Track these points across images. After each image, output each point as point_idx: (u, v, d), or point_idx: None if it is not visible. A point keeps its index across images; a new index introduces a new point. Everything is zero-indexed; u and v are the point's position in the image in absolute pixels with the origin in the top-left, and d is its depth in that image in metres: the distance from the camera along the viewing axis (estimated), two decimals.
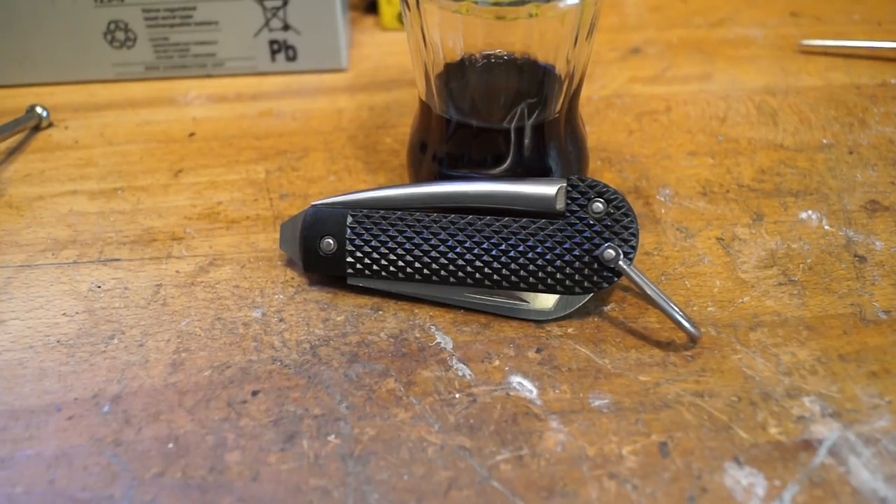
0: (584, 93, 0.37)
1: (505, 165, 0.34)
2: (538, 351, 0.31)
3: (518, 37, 0.32)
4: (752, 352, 0.30)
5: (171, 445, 0.27)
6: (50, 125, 0.44)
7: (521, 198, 0.31)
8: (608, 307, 0.32)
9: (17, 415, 0.28)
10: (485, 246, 0.31)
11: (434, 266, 0.31)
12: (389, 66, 0.49)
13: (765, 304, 0.32)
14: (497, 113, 0.34)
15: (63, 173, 0.41)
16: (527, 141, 0.34)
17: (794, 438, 0.27)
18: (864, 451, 0.27)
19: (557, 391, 0.29)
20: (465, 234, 0.31)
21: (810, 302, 0.33)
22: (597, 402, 0.29)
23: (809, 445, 0.27)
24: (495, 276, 0.31)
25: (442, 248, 0.31)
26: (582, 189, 0.31)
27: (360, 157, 0.42)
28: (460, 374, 0.30)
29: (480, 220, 0.31)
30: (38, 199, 0.39)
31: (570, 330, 0.31)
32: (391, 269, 0.32)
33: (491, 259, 0.31)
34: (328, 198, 0.33)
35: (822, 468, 0.26)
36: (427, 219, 0.32)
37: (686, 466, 0.27)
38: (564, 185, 0.31)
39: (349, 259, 0.32)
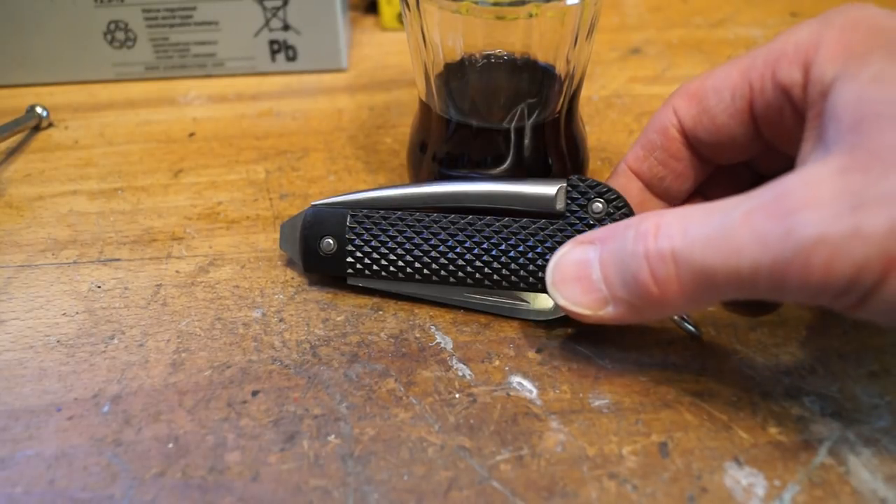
0: (584, 93, 0.37)
1: (505, 165, 0.34)
2: (538, 351, 0.31)
3: (518, 37, 0.32)
4: (752, 352, 0.30)
5: (171, 445, 0.27)
6: (50, 125, 0.44)
7: (521, 198, 0.31)
8: None
9: (17, 415, 0.28)
10: (485, 246, 0.31)
11: (434, 266, 0.31)
12: (389, 66, 0.49)
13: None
14: (497, 113, 0.34)
15: (63, 173, 0.41)
16: (527, 141, 0.34)
17: (794, 438, 0.27)
18: (864, 451, 0.27)
19: (557, 391, 0.29)
20: (465, 234, 0.31)
21: None
22: (597, 402, 0.29)
23: (809, 445, 0.27)
24: (495, 277, 0.31)
25: (442, 248, 0.31)
26: (582, 189, 0.31)
27: (360, 157, 0.42)
28: (460, 374, 0.30)
29: (480, 219, 0.31)
30: (38, 199, 0.39)
31: (570, 330, 0.31)
32: (391, 269, 0.32)
33: (491, 259, 0.31)
34: (328, 198, 0.33)
35: (822, 468, 0.26)
36: (427, 219, 0.32)
37: (686, 466, 0.27)
38: (564, 185, 0.31)
39: (349, 259, 0.32)
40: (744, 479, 0.26)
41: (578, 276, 0.27)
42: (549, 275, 0.28)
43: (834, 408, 0.28)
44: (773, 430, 0.28)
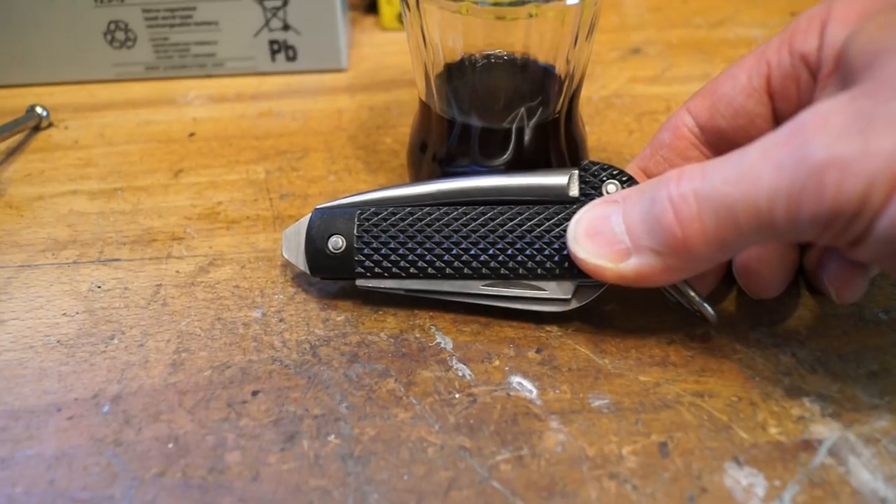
0: (584, 93, 0.37)
1: (505, 165, 0.34)
2: (538, 351, 0.31)
3: (518, 37, 0.32)
4: (752, 352, 0.30)
5: (171, 445, 0.27)
6: (50, 125, 0.44)
7: (533, 189, 0.31)
8: (608, 307, 0.32)
9: (17, 415, 0.28)
10: (499, 234, 0.31)
11: (447, 258, 0.31)
12: (389, 66, 0.49)
13: (765, 303, 0.32)
14: (497, 113, 0.34)
15: (63, 173, 0.41)
16: (527, 141, 0.34)
17: (794, 438, 0.27)
18: (864, 451, 0.27)
19: (557, 391, 0.29)
20: (479, 224, 0.31)
21: (810, 302, 0.33)
22: (597, 402, 0.29)
23: (809, 445, 0.27)
24: (511, 264, 0.30)
25: (455, 239, 0.31)
26: (594, 171, 0.31)
27: (360, 157, 0.42)
28: (460, 374, 0.30)
29: (493, 209, 0.31)
30: (38, 199, 0.39)
31: (570, 330, 0.31)
32: (403, 264, 0.31)
33: (507, 246, 0.30)
34: (332, 200, 0.32)
35: (822, 468, 0.26)
36: (438, 212, 0.31)
37: (686, 466, 0.27)
38: (576, 172, 0.31)
39: (358, 257, 0.31)
40: (744, 479, 0.26)
41: (601, 229, 0.28)
42: (571, 229, 0.29)
43: (834, 408, 0.28)
44: (773, 430, 0.28)
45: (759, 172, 0.23)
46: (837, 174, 0.22)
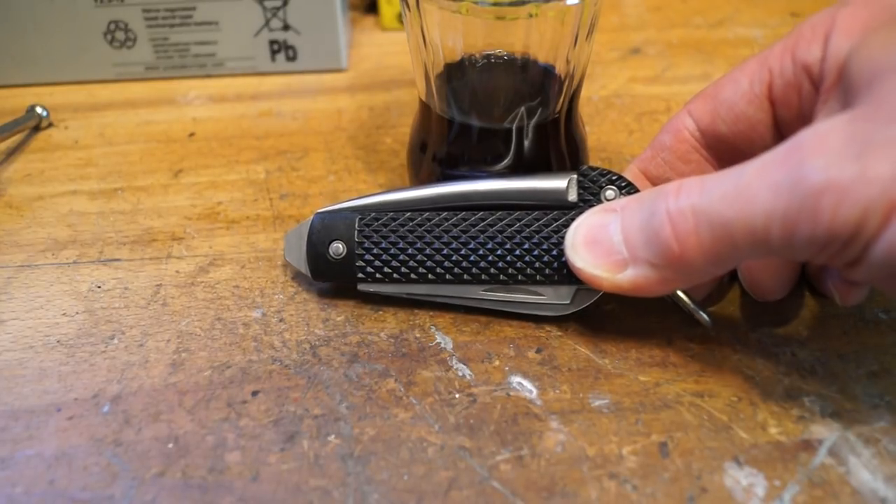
0: (584, 93, 0.37)
1: (505, 165, 0.34)
2: (538, 351, 0.31)
3: (518, 37, 0.32)
4: (752, 352, 0.30)
5: (171, 445, 0.27)
6: (50, 125, 0.44)
7: (532, 193, 0.31)
8: (608, 307, 0.32)
9: (17, 415, 0.28)
10: (498, 240, 0.31)
11: (447, 264, 0.31)
12: (389, 66, 0.49)
13: (765, 304, 0.32)
14: (497, 113, 0.34)
15: (63, 173, 0.41)
16: (527, 141, 0.34)
17: (794, 438, 0.27)
18: (864, 451, 0.27)
19: (557, 391, 0.29)
20: (478, 230, 0.31)
21: (810, 302, 0.33)
22: (597, 402, 0.29)
23: (809, 445, 0.27)
24: (510, 271, 0.31)
25: (455, 245, 0.31)
26: (593, 177, 0.31)
27: (360, 157, 0.42)
28: (460, 374, 0.30)
29: (492, 215, 0.31)
30: (38, 199, 0.39)
31: (569, 330, 0.31)
32: (403, 269, 0.31)
33: (506, 253, 0.31)
34: (333, 204, 0.32)
35: (822, 468, 0.26)
36: (438, 217, 0.31)
37: (686, 466, 0.27)
38: (575, 176, 0.31)
39: (359, 263, 0.31)
40: (744, 479, 0.26)
41: (598, 238, 0.28)
42: (569, 237, 0.29)
43: (834, 408, 0.28)
44: (773, 430, 0.28)
45: (756, 191, 0.23)
46: (834, 198, 0.22)
